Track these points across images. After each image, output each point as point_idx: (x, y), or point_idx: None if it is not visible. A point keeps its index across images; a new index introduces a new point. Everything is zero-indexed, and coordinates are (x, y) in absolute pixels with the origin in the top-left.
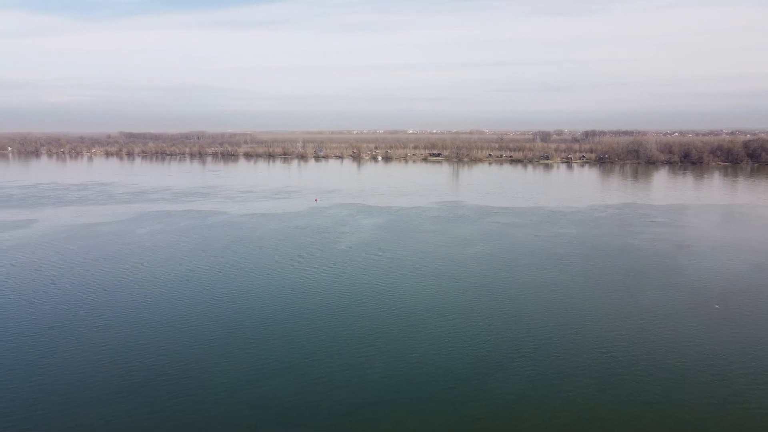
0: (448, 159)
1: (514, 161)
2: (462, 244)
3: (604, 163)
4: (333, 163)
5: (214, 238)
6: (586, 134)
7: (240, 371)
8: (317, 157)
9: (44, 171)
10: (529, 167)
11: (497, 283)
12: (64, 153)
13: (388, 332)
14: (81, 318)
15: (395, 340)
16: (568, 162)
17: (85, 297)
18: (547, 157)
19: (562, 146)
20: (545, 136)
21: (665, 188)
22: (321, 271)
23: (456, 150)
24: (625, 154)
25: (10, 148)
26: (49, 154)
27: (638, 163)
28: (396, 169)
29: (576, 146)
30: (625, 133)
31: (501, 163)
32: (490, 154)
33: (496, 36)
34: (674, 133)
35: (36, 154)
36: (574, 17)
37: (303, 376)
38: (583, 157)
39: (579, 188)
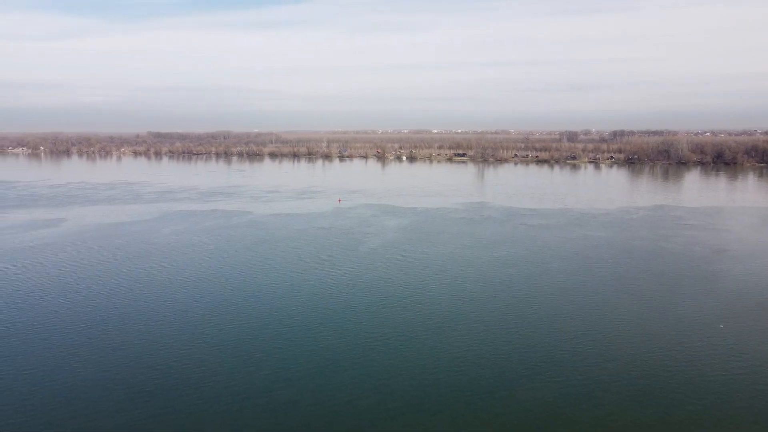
0: (473, 159)
1: (540, 161)
2: (488, 247)
3: (633, 163)
4: (357, 163)
5: (238, 239)
6: (614, 134)
7: (263, 376)
8: (341, 157)
9: (74, 170)
10: (556, 168)
11: (526, 287)
12: (94, 152)
13: (413, 338)
14: (103, 319)
15: (420, 347)
16: (595, 162)
17: (109, 298)
18: (574, 158)
19: (590, 146)
20: (572, 136)
21: (698, 189)
22: (345, 273)
23: (481, 150)
24: (655, 155)
25: (42, 148)
26: (80, 154)
27: (669, 163)
28: (420, 169)
29: (604, 146)
30: (655, 132)
31: (527, 164)
32: (515, 154)
33: (523, 35)
34: (706, 132)
35: (67, 153)
36: (601, 15)
37: (326, 382)
38: (612, 157)
39: (608, 189)
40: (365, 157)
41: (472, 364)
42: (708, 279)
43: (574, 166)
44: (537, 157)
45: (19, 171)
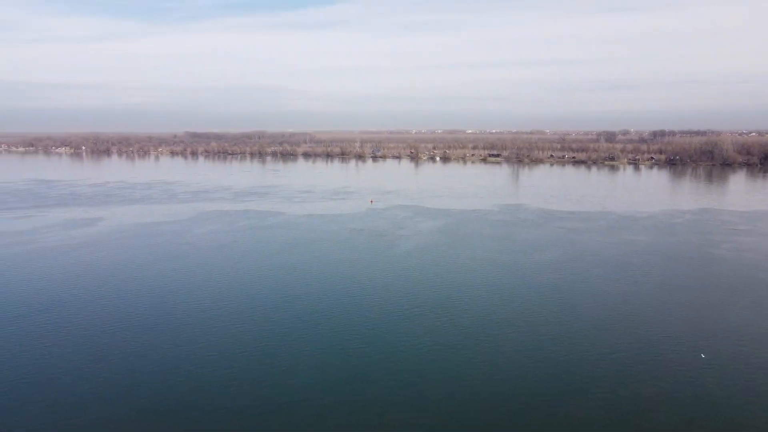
0: (507, 160)
1: (576, 162)
2: (526, 251)
3: (674, 164)
4: (390, 163)
5: (271, 240)
6: (654, 134)
7: (293, 384)
8: (375, 157)
9: (113, 170)
10: (593, 169)
11: (566, 295)
12: (133, 152)
13: (448, 347)
14: (134, 321)
15: (455, 357)
16: (635, 163)
17: (140, 299)
18: (612, 158)
19: (629, 147)
20: (610, 137)
21: (746, 192)
22: (378, 277)
23: (516, 150)
24: (698, 156)
25: (84, 147)
26: (119, 153)
27: (713, 164)
28: (454, 169)
29: (643, 147)
30: (697, 132)
31: (563, 165)
32: (551, 155)
33: (558, 33)
34: (751, 132)
35: (107, 153)
36: (640, 13)
37: (358, 394)
38: (652, 158)
39: (649, 191)
40: (398, 157)
41: (510, 377)
42: (763, 288)
43: (613, 168)
44: (573, 157)
45: (61, 170)
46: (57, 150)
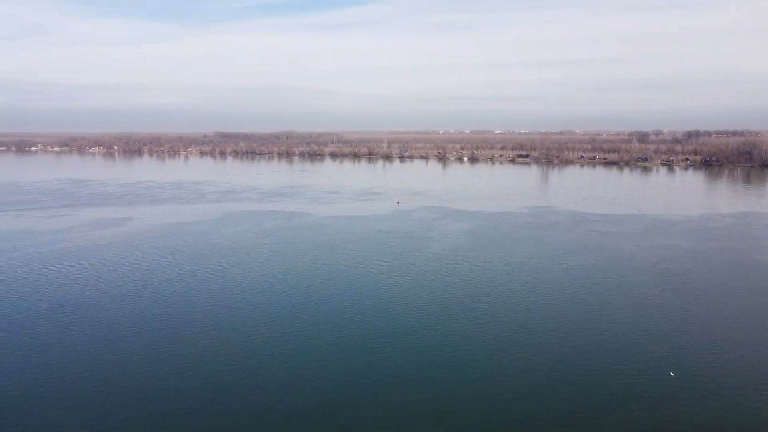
0: (536, 160)
1: (608, 163)
2: (558, 256)
3: (710, 166)
4: (418, 164)
5: (298, 241)
6: (689, 135)
7: (318, 390)
8: (402, 158)
9: (144, 169)
10: (626, 170)
11: (601, 304)
12: (163, 152)
13: (478, 357)
14: (158, 323)
15: (486, 368)
16: (669, 165)
17: (165, 301)
18: (645, 159)
19: (662, 147)
20: (642, 137)
21: None
22: (405, 281)
23: (545, 151)
24: (736, 157)
25: (116, 147)
26: (150, 153)
27: (751, 166)
28: (482, 170)
29: (678, 147)
30: (734, 133)
31: (594, 165)
32: (582, 156)
33: (589, 32)
34: None
35: (139, 152)
36: (675, 11)
37: (387, 403)
38: (687, 159)
39: (685, 193)
40: (426, 157)
41: (545, 392)
42: None
43: (646, 169)
44: (605, 158)
45: (93, 170)
46: (90, 150)
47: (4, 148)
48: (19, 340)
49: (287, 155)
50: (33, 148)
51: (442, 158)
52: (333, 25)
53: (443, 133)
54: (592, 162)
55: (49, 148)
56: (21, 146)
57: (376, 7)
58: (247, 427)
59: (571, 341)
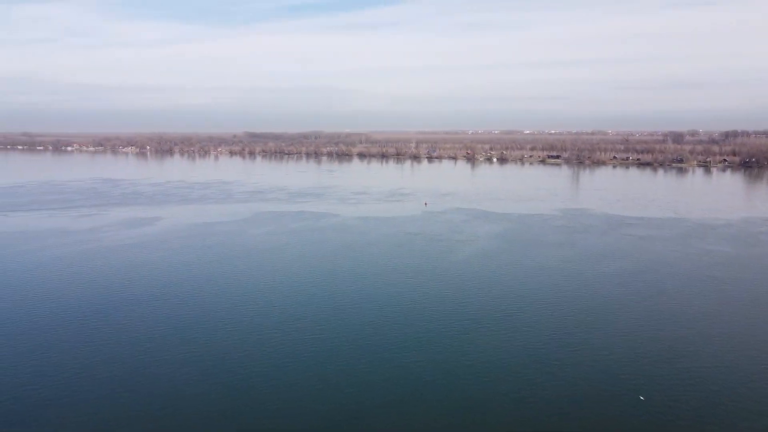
0: (567, 161)
1: (641, 164)
2: (593, 261)
3: (750, 167)
4: (446, 164)
5: (324, 243)
6: (726, 135)
7: (342, 403)
8: (430, 158)
9: (174, 169)
10: (660, 171)
11: (641, 313)
12: (194, 152)
13: (509, 369)
14: (183, 325)
15: (517, 381)
16: (705, 166)
17: (190, 303)
18: (680, 161)
19: (698, 148)
20: (677, 137)
21: None
22: (433, 285)
23: (577, 152)
24: None
25: (148, 147)
26: (181, 153)
27: None
28: (512, 171)
29: (715, 148)
30: None
31: (627, 166)
32: (614, 156)
33: (619, 31)
34: None
35: (170, 152)
36: (713, 7)
37: (412, 416)
38: (725, 160)
39: (725, 196)
40: (454, 158)
41: (578, 408)
42: None
43: (681, 170)
44: (638, 159)
45: (125, 169)
46: (124, 150)
47: (41, 147)
48: (43, 340)
49: (315, 155)
50: (69, 148)
51: (470, 159)
52: (362, 25)
53: (472, 133)
54: (625, 163)
55: (84, 148)
56: (57, 146)
57: (405, 8)
58: None
59: (608, 353)
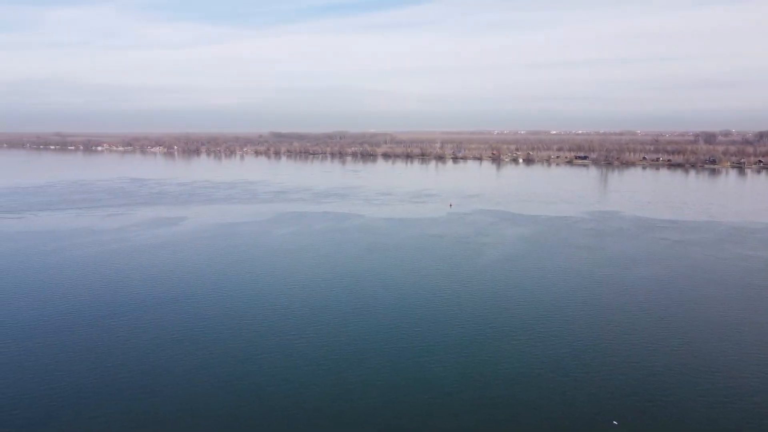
0: (595, 162)
1: (672, 165)
2: (625, 265)
3: None
4: (471, 165)
5: (348, 244)
6: (761, 135)
7: (365, 411)
8: (455, 158)
9: (200, 169)
10: (692, 172)
11: (677, 321)
12: (220, 151)
13: (538, 379)
14: (204, 328)
15: (546, 392)
16: (739, 167)
17: (213, 305)
18: (713, 162)
19: (732, 149)
20: (709, 138)
21: None
22: (459, 289)
23: (605, 152)
24: None
25: (176, 147)
26: (208, 153)
27: None
28: (538, 172)
29: (749, 149)
30: None
31: (657, 168)
32: (644, 157)
33: (647, 29)
34: None
35: (197, 152)
36: (744, 5)
37: (436, 427)
38: (760, 161)
39: (761, 198)
40: (479, 158)
41: (613, 418)
42: None
43: (714, 171)
44: (669, 160)
45: (152, 169)
46: (152, 149)
47: (72, 147)
48: (67, 340)
49: (340, 155)
50: (99, 148)
51: (496, 159)
52: (387, 25)
53: (497, 133)
54: (655, 164)
55: (114, 148)
56: (88, 146)
57: (431, 7)
58: None
59: (642, 364)
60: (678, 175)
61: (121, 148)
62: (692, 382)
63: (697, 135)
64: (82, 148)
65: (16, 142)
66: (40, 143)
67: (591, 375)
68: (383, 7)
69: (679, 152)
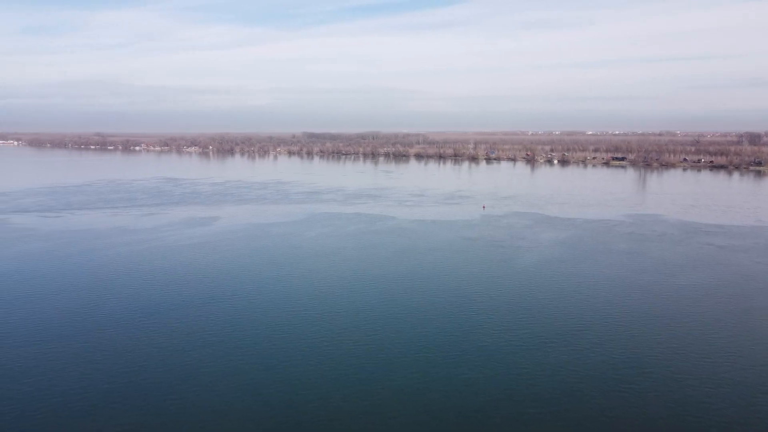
0: (634, 163)
1: (714, 167)
2: (668, 272)
3: None
4: (505, 166)
5: (380, 247)
6: None
7: (394, 421)
8: (489, 159)
9: (234, 168)
10: (736, 175)
11: (726, 333)
12: (254, 151)
13: (578, 394)
14: (232, 331)
15: (587, 408)
16: None
17: (242, 307)
18: (759, 163)
19: None
20: (754, 138)
21: None
22: (493, 296)
23: (643, 153)
24: None
25: (211, 147)
26: (242, 153)
27: None
28: (574, 173)
29: None
30: None
31: (698, 170)
32: (684, 159)
33: (687, 27)
34: None
35: (231, 152)
36: None
37: None
38: None
39: None
40: (513, 159)
41: None
42: None
43: (760, 173)
44: (711, 162)
45: (188, 169)
46: (188, 149)
47: (112, 147)
48: (101, 338)
49: (372, 156)
50: (137, 148)
51: (530, 160)
52: (420, 26)
53: (532, 134)
54: (697, 166)
55: (151, 148)
56: (127, 146)
57: (464, 7)
58: None
59: (690, 380)
60: (721, 177)
61: (158, 148)
62: (750, 404)
63: (740, 135)
64: (121, 148)
65: (58, 142)
66: (81, 143)
67: (636, 390)
68: (417, 8)
69: (721, 153)
